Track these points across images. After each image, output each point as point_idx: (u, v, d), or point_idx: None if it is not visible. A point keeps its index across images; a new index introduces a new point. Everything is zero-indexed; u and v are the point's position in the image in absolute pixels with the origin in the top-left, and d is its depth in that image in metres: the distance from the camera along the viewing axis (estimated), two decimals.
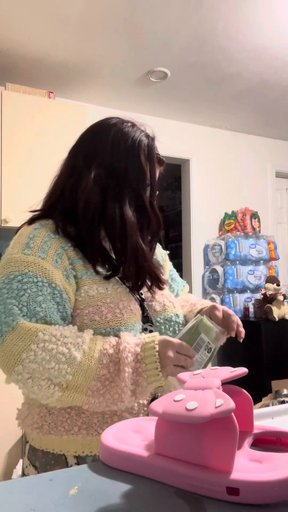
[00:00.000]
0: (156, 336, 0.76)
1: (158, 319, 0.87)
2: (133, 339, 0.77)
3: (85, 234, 0.84)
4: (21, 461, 2.04)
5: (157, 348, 0.74)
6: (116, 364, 0.73)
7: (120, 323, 0.79)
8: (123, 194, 0.85)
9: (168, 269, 1.06)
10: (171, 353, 0.73)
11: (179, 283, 1.10)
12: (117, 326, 0.79)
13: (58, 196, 0.88)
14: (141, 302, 0.88)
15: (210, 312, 0.91)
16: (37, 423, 0.80)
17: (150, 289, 0.89)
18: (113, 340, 0.76)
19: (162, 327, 0.87)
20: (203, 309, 0.95)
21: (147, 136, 0.91)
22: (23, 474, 0.86)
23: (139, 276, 0.85)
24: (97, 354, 0.73)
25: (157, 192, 0.93)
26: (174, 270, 1.10)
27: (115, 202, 0.84)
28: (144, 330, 0.84)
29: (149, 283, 0.88)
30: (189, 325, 0.79)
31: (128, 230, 0.84)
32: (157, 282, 0.89)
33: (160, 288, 0.90)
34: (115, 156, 0.86)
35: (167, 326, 0.87)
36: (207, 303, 0.98)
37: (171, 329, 0.88)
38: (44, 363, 0.70)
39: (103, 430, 0.75)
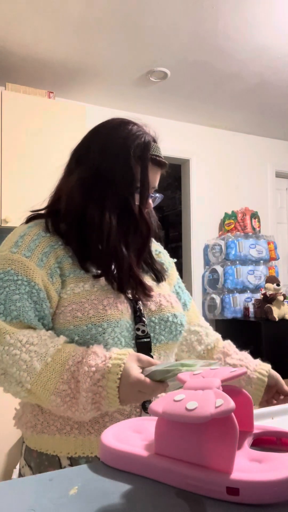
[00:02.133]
0: (121, 366, 0.70)
1: (153, 318, 0.86)
2: (97, 361, 0.72)
3: (69, 234, 0.85)
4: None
5: (118, 383, 0.69)
6: (78, 382, 0.71)
7: (103, 319, 0.78)
8: (106, 197, 0.82)
9: (175, 277, 1.05)
10: (130, 394, 0.69)
11: (186, 294, 1.07)
12: (99, 322, 0.78)
13: (56, 197, 0.90)
14: (135, 301, 0.86)
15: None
16: (31, 422, 0.81)
17: (134, 295, 0.85)
18: (79, 355, 0.74)
19: (157, 327, 0.85)
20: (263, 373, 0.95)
21: (144, 137, 0.85)
22: (19, 474, 0.87)
23: (121, 282, 0.82)
24: (59, 368, 0.72)
25: (152, 197, 0.89)
26: (181, 280, 1.08)
27: (96, 205, 0.82)
28: (137, 330, 0.83)
29: (134, 290, 0.85)
30: (166, 368, 0.66)
31: (105, 236, 0.81)
32: (143, 290, 0.85)
33: (147, 296, 0.86)
34: (103, 156, 0.84)
35: (162, 326, 0.86)
36: (261, 368, 0.96)
37: (166, 329, 0.87)
38: (8, 367, 0.72)
39: (95, 429, 0.77)
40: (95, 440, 0.77)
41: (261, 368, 0.96)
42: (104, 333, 0.78)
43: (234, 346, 1.05)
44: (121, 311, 0.81)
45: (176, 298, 0.96)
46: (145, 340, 0.83)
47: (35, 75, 2.79)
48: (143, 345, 0.81)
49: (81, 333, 0.78)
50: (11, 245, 0.80)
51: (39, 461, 0.81)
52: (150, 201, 0.89)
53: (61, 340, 0.76)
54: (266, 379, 0.94)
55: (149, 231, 0.86)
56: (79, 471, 0.48)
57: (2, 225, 2.48)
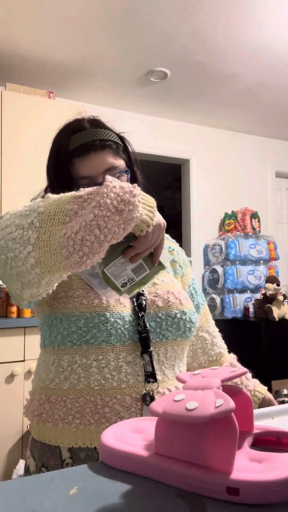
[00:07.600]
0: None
1: (160, 314, 0.86)
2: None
3: None
4: (21, 461, 2.04)
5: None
6: (93, 193, 0.65)
7: (106, 309, 0.81)
8: None
9: (189, 277, 1.05)
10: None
11: (199, 296, 1.08)
12: (102, 311, 0.81)
13: None
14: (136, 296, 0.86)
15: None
16: (37, 411, 0.84)
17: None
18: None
19: (163, 323, 0.86)
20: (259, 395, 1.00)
21: (56, 143, 0.93)
22: (25, 465, 0.89)
23: None
24: (73, 192, 0.67)
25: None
26: (195, 281, 1.09)
27: None
28: (137, 325, 0.84)
29: None
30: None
31: None
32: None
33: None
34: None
35: (169, 322, 0.86)
36: (259, 390, 1.00)
37: (174, 325, 0.87)
38: (17, 214, 0.69)
39: (95, 420, 0.78)
40: (95, 431, 0.78)
41: (258, 391, 1.00)
42: (106, 322, 0.80)
43: (238, 364, 1.06)
44: (123, 305, 0.84)
45: (187, 296, 0.96)
46: (143, 335, 0.83)
47: (35, 75, 2.79)
48: (141, 340, 0.83)
49: (85, 320, 0.80)
50: None
51: (41, 452, 0.83)
52: None
53: None
54: (257, 405, 0.98)
55: None
56: (79, 471, 0.48)
57: None
